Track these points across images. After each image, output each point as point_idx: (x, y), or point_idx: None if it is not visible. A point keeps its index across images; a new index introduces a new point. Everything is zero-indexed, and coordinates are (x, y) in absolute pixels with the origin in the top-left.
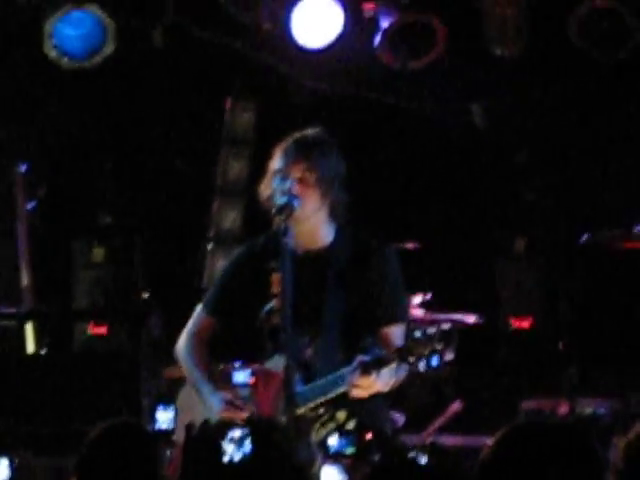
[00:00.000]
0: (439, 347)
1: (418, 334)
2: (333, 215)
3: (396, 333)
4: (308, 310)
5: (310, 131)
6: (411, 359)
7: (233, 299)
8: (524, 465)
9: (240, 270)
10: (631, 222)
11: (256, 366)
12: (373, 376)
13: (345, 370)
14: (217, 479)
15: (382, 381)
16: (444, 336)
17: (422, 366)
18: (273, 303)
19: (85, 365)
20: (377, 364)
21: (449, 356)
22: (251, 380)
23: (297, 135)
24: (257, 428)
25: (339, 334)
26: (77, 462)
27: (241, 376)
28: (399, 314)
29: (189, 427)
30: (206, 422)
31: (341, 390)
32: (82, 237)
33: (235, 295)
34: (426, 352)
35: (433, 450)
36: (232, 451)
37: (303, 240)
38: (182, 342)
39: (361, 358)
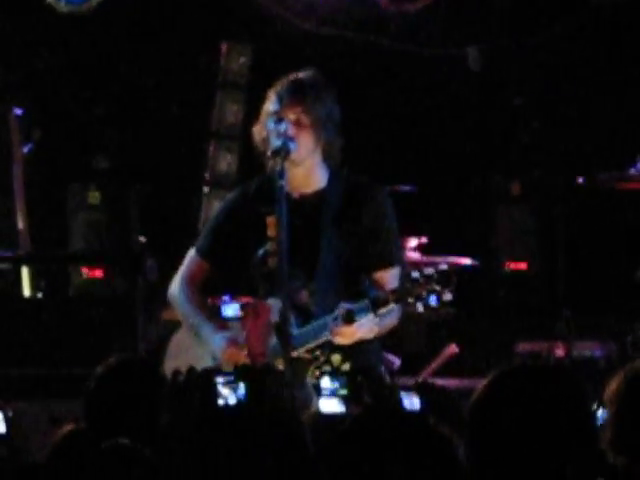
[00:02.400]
0: (437, 287)
1: (415, 275)
2: (327, 158)
3: (392, 276)
4: (303, 253)
5: (304, 73)
6: (409, 300)
7: (226, 242)
8: (514, 407)
9: (233, 213)
10: (627, 163)
11: (244, 299)
12: (354, 325)
13: (328, 318)
14: (209, 423)
15: (364, 328)
16: (442, 276)
17: (420, 307)
18: (268, 246)
19: (81, 309)
20: (373, 306)
21: (447, 296)
22: (240, 313)
23: (291, 77)
24: (247, 374)
25: (334, 277)
26: (85, 396)
27: (230, 310)
28: (394, 257)
29: (175, 374)
30: (192, 369)
31: (326, 338)
32: (78, 181)
33: (228, 238)
34: (424, 293)
35: (423, 388)
36: (227, 395)
37: (297, 183)
38: (175, 286)
39: (343, 306)
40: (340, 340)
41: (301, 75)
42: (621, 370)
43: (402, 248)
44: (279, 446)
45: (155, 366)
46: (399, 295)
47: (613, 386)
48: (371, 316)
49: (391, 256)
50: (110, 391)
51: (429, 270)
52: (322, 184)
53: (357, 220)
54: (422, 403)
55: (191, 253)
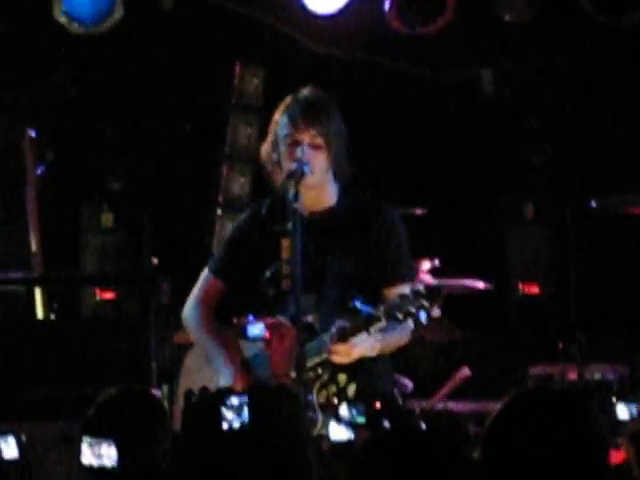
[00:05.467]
0: (425, 303)
1: (405, 291)
2: (338, 176)
3: (401, 292)
4: (311, 273)
5: (310, 93)
6: (400, 316)
7: (241, 262)
8: (529, 430)
9: (247, 233)
10: None
11: (269, 319)
12: (350, 343)
13: (324, 336)
14: (215, 446)
15: (362, 346)
16: (430, 293)
17: (410, 323)
18: (281, 268)
19: (94, 331)
20: (365, 324)
21: (436, 312)
22: (265, 333)
23: (299, 99)
24: (257, 396)
25: (341, 297)
26: (83, 425)
27: (255, 329)
28: (405, 273)
29: (188, 394)
30: (205, 389)
31: (324, 356)
32: (91, 202)
33: (242, 258)
34: (413, 309)
35: (433, 417)
36: (231, 418)
37: (309, 203)
38: (189, 308)
39: (338, 324)
40: (338, 359)
41: (308, 96)
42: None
43: (413, 265)
44: (282, 470)
45: (154, 397)
46: (389, 312)
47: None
48: (365, 335)
49: (402, 272)
50: (108, 420)
51: (418, 286)
52: (332, 202)
53: (365, 237)
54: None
55: (205, 273)
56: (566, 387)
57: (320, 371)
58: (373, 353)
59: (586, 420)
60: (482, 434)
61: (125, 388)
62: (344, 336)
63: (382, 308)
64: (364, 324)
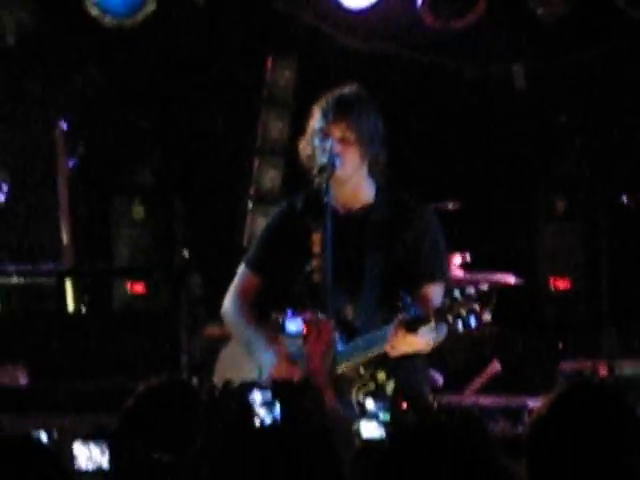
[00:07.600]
0: (477, 307)
1: (457, 294)
2: (373, 174)
3: (435, 292)
4: (348, 269)
5: (348, 89)
6: (449, 318)
7: (277, 257)
8: (577, 427)
9: (282, 227)
10: None
11: (308, 315)
12: (413, 335)
13: (386, 328)
14: (244, 442)
15: (423, 340)
16: (482, 296)
17: (460, 326)
18: (313, 262)
19: (125, 323)
20: (416, 323)
21: (487, 316)
22: (303, 329)
23: (336, 93)
24: (283, 392)
25: (378, 293)
26: (122, 415)
27: (293, 325)
28: (438, 273)
29: (210, 388)
30: (228, 383)
31: (382, 349)
32: (122, 195)
33: (278, 252)
34: (464, 312)
35: (455, 414)
36: (263, 415)
37: (344, 199)
38: (228, 302)
39: (401, 316)
40: (397, 351)
41: (345, 91)
42: None
43: (448, 265)
44: (309, 467)
45: (194, 388)
46: (440, 313)
47: None
48: (429, 328)
49: (435, 272)
50: (148, 411)
51: (470, 289)
52: (369, 200)
53: (402, 237)
54: None
55: (242, 267)
56: (612, 384)
57: (362, 369)
58: (428, 349)
59: (633, 414)
60: (527, 432)
61: (166, 379)
62: (414, 327)
63: (432, 309)
64: (415, 324)
